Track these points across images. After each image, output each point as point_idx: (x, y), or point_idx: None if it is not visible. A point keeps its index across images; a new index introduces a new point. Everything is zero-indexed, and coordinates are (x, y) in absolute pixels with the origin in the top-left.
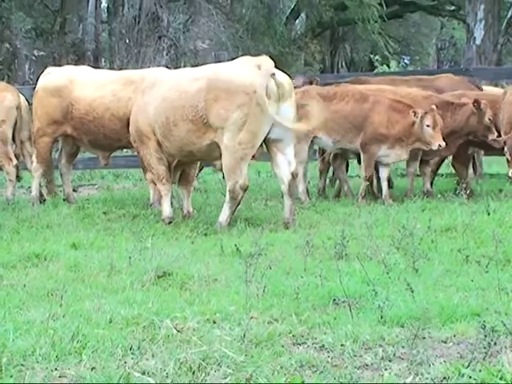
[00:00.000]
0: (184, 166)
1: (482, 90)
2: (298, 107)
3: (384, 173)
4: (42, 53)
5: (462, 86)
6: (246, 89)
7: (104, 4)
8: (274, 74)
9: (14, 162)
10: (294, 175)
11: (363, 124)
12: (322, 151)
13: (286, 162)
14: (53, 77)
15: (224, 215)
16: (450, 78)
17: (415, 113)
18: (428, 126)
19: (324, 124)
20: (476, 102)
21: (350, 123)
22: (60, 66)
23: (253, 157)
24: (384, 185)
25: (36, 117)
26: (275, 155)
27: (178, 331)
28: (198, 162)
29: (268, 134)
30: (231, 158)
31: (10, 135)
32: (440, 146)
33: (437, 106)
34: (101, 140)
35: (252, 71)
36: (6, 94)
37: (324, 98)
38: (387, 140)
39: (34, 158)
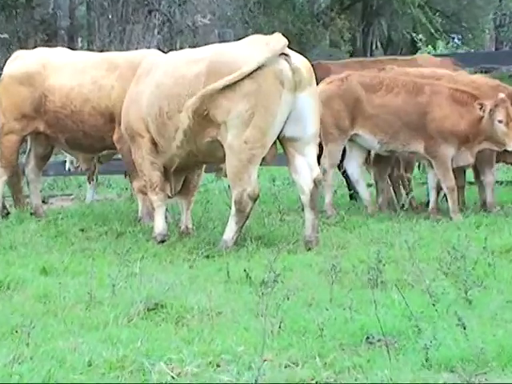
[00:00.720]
0: (186, 171)
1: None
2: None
3: (433, 180)
4: (5, 35)
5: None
6: (254, 75)
7: None
8: (287, 56)
9: None
10: (316, 183)
11: (420, 122)
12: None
13: (307, 165)
14: (22, 62)
15: (230, 232)
16: (429, 58)
17: (482, 105)
18: (500, 121)
19: (366, 119)
20: None
21: (401, 121)
22: (27, 47)
23: (263, 159)
24: (433, 194)
25: (0, 110)
26: (293, 157)
27: (174, 377)
28: (203, 167)
29: (282, 130)
30: (236, 159)
31: None
32: None
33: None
34: (80, 139)
35: (262, 52)
36: None
37: (366, 88)
38: (454, 139)
39: None
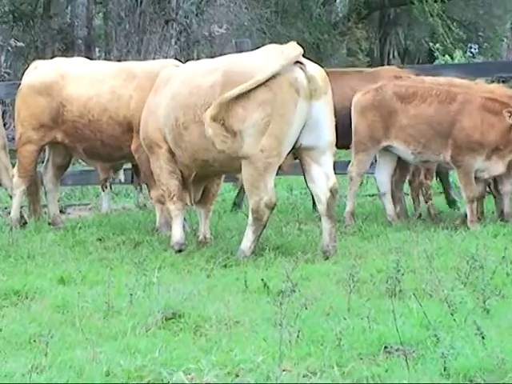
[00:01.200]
0: (205, 181)
1: None
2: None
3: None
4: (21, 44)
5: None
6: (268, 83)
7: None
8: (302, 64)
9: None
10: (333, 191)
11: (449, 130)
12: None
13: (323, 174)
14: (40, 72)
15: (247, 242)
16: (392, 70)
17: (511, 114)
18: None
19: (401, 129)
20: None
21: (434, 130)
22: (44, 57)
23: (279, 168)
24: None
25: (19, 120)
26: (309, 167)
27: None
28: (222, 177)
29: (298, 139)
30: (252, 168)
31: None
32: None
33: None
34: (98, 148)
35: (276, 61)
36: None
37: (402, 99)
38: (483, 149)
39: (15, 170)
